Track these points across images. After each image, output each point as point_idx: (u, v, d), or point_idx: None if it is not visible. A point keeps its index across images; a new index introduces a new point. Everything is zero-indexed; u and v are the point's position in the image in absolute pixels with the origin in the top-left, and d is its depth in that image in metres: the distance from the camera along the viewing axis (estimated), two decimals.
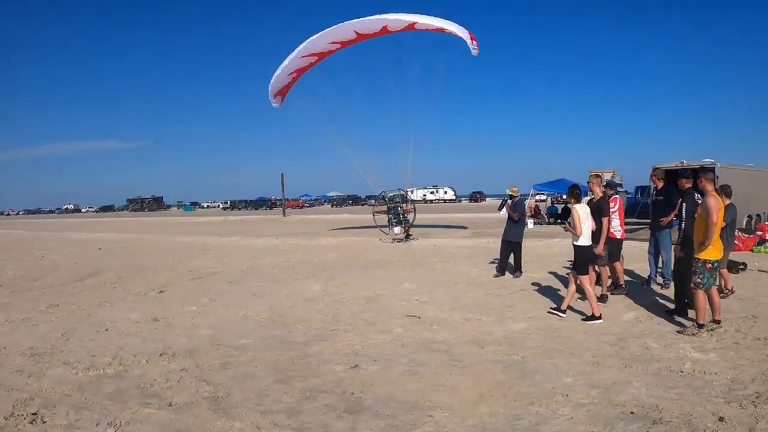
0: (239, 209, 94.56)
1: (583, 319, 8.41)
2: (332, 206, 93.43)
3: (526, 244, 14.09)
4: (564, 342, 7.33)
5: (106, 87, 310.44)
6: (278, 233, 28.87)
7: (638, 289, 10.64)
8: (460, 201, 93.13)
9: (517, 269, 12.80)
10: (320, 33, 18.94)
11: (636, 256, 13.75)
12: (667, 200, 10.40)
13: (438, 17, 18.04)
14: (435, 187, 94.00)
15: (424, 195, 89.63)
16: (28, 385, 6.24)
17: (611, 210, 9.94)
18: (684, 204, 8.78)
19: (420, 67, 20.61)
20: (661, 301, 9.60)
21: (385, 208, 23.81)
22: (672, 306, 8.81)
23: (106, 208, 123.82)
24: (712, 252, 7.50)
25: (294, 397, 5.68)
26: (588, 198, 10.01)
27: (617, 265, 10.29)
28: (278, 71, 20.00)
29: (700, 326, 7.42)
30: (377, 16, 18.17)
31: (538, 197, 37.86)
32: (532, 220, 27.13)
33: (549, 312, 8.91)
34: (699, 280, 7.47)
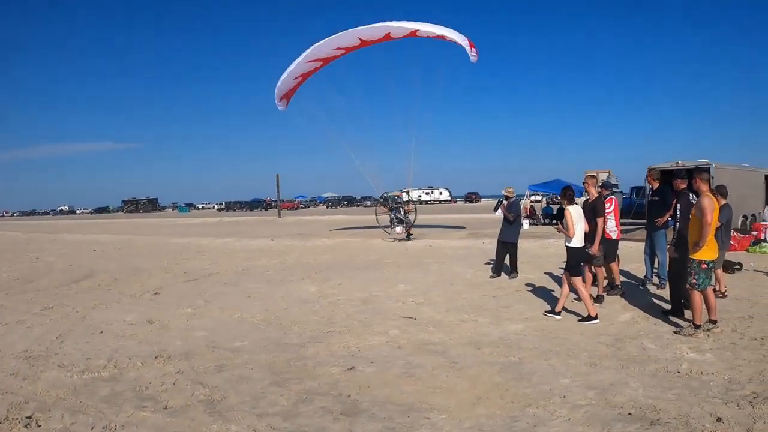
0: (234, 210, 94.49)
1: (579, 320, 8.41)
2: (327, 207, 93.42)
3: (522, 245, 14.09)
4: (561, 343, 7.32)
5: (101, 88, 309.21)
6: (273, 234, 28.83)
7: (634, 290, 10.65)
8: (455, 202, 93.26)
9: (512, 270, 12.80)
10: (326, 39, 19.41)
11: (632, 257, 13.76)
12: (663, 201, 10.41)
13: (439, 25, 18.59)
14: (430, 187, 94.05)
15: (419, 196, 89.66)
16: (23, 388, 6.20)
17: (607, 211, 9.95)
18: (678, 204, 8.78)
19: (421, 71, 20.99)
20: (657, 301, 9.60)
21: (387, 208, 24.14)
22: (668, 306, 8.82)
23: (101, 210, 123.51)
24: (707, 252, 7.50)
25: (290, 399, 5.65)
26: (584, 198, 10.00)
27: (613, 265, 10.30)
28: (284, 75, 20.46)
29: (697, 327, 7.42)
30: (381, 24, 18.65)
31: (533, 198, 37.89)
32: (527, 221, 27.15)
33: (544, 314, 8.90)
34: (694, 280, 7.47)
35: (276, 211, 60.50)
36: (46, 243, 29.96)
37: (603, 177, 23.94)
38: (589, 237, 9.55)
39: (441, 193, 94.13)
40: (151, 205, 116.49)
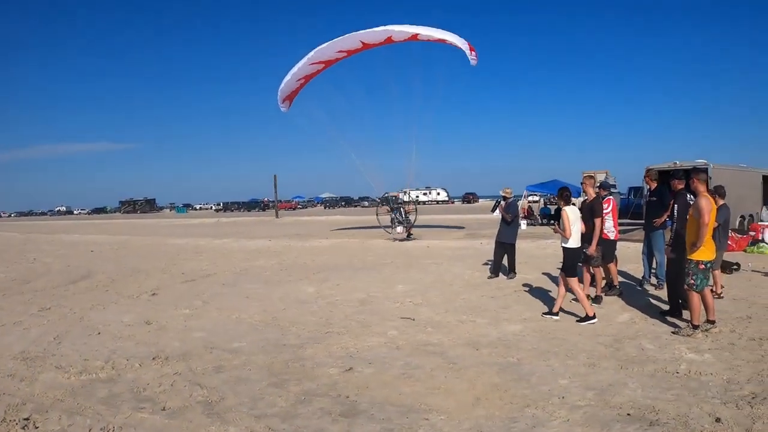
0: (232, 211, 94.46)
1: (577, 321, 8.40)
2: (325, 208, 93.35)
3: (520, 246, 14.09)
4: (559, 344, 7.31)
5: (98, 88, 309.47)
6: (271, 235, 28.81)
7: (632, 290, 10.66)
8: (452, 202, 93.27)
9: (510, 271, 12.80)
10: (328, 43, 19.78)
11: (630, 257, 13.77)
12: (660, 201, 10.42)
13: (439, 29, 18.98)
14: (428, 188, 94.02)
15: (417, 196, 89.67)
16: (20, 389, 6.18)
17: (605, 211, 9.95)
18: (676, 205, 8.78)
19: (421, 73, 21.43)
20: (655, 302, 9.61)
21: (388, 208, 24.44)
22: (666, 307, 8.82)
23: (99, 210, 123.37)
24: (705, 253, 7.50)
25: (288, 400, 5.64)
26: (582, 199, 10.00)
27: (611, 266, 10.31)
28: (287, 77, 20.83)
29: (695, 327, 7.42)
30: (383, 28, 18.99)
31: (530, 198, 37.90)
32: (525, 221, 27.17)
33: (543, 315, 8.90)
34: (692, 281, 7.47)
35: (274, 211, 60.42)
36: (43, 244, 29.90)
37: (600, 177, 24.02)
38: (586, 237, 9.56)
39: (438, 194, 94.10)
40: (149, 206, 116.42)
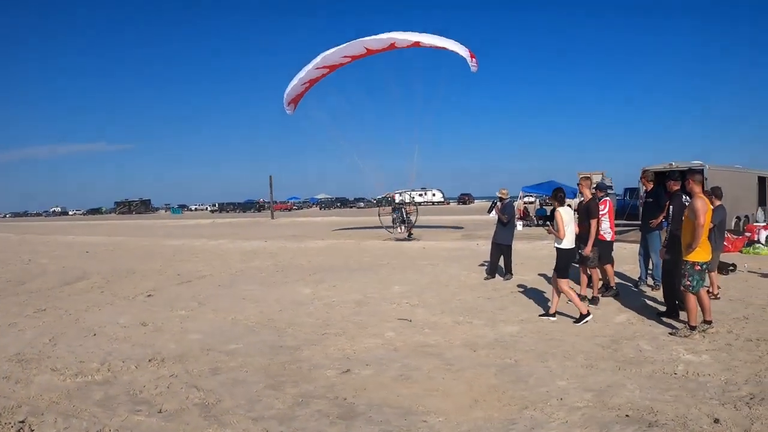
0: (227, 212, 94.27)
1: (574, 322, 8.40)
2: (320, 209, 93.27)
3: (516, 247, 14.08)
4: (557, 345, 7.31)
5: (94, 89, 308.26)
6: (267, 236, 28.76)
7: (629, 291, 10.67)
8: (448, 203, 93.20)
9: (507, 272, 12.80)
10: (334, 49, 20.44)
11: (626, 258, 13.77)
12: (656, 202, 10.43)
13: (442, 36, 19.64)
14: (423, 189, 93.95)
15: (413, 197, 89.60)
16: (16, 392, 6.14)
17: (601, 212, 9.96)
18: (671, 206, 8.79)
19: (422, 76, 21.90)
20: (652, 303, 9.61)
21: (390, 209, 25.23)
22: (663, 308, 8.82)
23: (94, 211, 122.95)
24: (701, 254, 7.50)
25: (286, 403, 5.61)
26: (578, 200, 10.01)
27: (608, 267, 10.31)
28: (294, 82, 21.56)
29: (692, 328, 7.43)
30: (386, 35, 19.67)
31: (526, 199, 37.92)
32: (521, 222, 27.21)
33: (540, 317, 8.90)
34: (688, 282, 7.47)
35: (269, 212, 60.39)
36: (38, 244, 29.78)
37: (597, 178, 24.05)
38: (583, 238, 9.57)
39: (434, 195, 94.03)
40: (144, 207, 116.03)
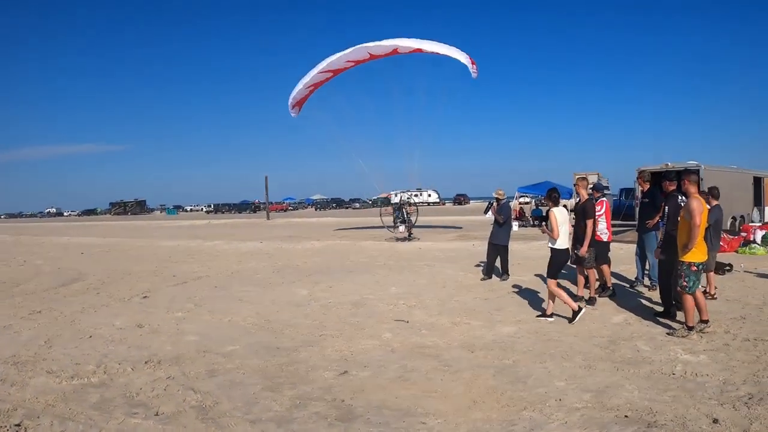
0: (223, 213, 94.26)
1: (570, 322, 8.40)
2: (316, 209, 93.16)
3: (512, 247, 14.07)
4: (555, 345, 7.30)
5: (89, 89, 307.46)
6: (263, 237, 28.70)
7: (626, 292, 10.67)
8: (443, 203, 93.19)
9: (504, 272, 12.80)
10: (338, 54, 21.03)
11: (622, 258, 13.78)
12: (653, 203, 10.44)
13: (443, 44, 20.25)
14: (419, 189, 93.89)
15: (409, 197, 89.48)
16: (11, 395, 6.09)
17: (598, 213, 9.97)
18: (667, 206, 8.80)
19: (424, 80, 22.33)
20: (648, 303, 9.62)
21: (392, 209, 25.74)
22: (660, 308, 8.82)
23: (89, 212, 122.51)
24: (697, 254, 7.51)
25: (283, 405, 5.59)
26: (575, 200, 10.02)
27: (605, 267, 10.31)
28: (299, 86, 22.30)
29: (690, 328, 7.43)
30: (389, 41, 20.26)
31: (522, 199, 37.99)
32: (516, 223, 27.22)
33: (537, 317, 8.89)
34: (685, 283, 7.47)
35: (265, 213, 60.31)
36: (33, 246, 29.66)
37: (592, 179, 24.08)
38: (579, 239, 9.59)
39: (429, 195, 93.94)
40: (139, 208, 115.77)
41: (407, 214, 24.78)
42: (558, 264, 8.80)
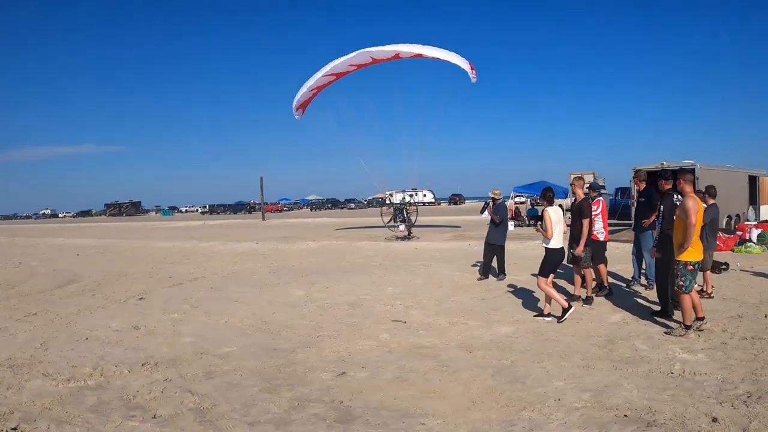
0: (218, 213, 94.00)
1: (558, 322, 8.43)
2: (311, 210, 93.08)
3: (508, 247, 14.06)
4: (552, 345, 7.30)
5: (83, 90, 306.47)
6: (258, 237, 28.63)
7: (622, 291, 10.68)
8: (439, 204, 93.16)
9: (500, 272, 12.80)
10: (342, 58, 21.54)
11: (619, 258, 13.80)
12: (649, 202, 10.45)
13: (444, 49, 20.66)
14: (414, 189, 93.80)
15: (403, 198, 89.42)
16: (7, 398, 6.05)
17: (594, 212, 9.97)
18: (662, 206, 8.81)
19: (425, 83, 22.74)
20: (645, 302, 9.62)
21: (392, 209, 26.54)
22: (657, 308, 8.83)
23: (84, 213, 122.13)
24: (693, 253, 7.51)
25: (282, 406, 5.56)
26: (571, 200, 10.02)
27: (601, 267, 10.31)
28: (303, 89, 22.73)
29: (687, 327, 7.43)
30: (391, 47, 20.81)
31: (517, 199, 38.01)
32: (512, 222, 27.28)
33: (535, 317, 8.89)
34: (681, 282, 7.48)
35: (260, 213, 60.25)
36: (28, 247, 29.53)
37: (588, 178, 24.13)
38: (575, 238, 9.60)
39: (425, 195, 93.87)
40: (134, 209, 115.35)
41: (407, 213, 25.38)
42: (552, 263, 8.81)
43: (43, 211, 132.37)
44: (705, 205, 8.66)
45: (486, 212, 13.72)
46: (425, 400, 5.59)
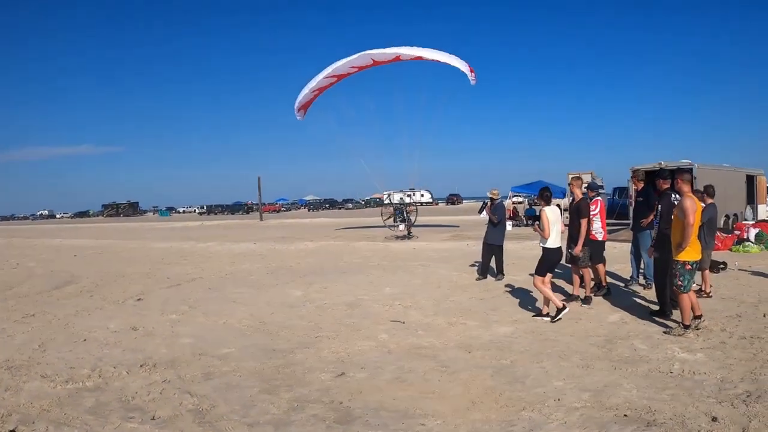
0: (216, 214, 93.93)
1: (552, 321, 8.44)
2: (309, 210, 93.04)
3: (507, 247, 14.07)
4: (551, 345, 7.29)
5: (83, 90, 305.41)
6: (256, 238, 28.61)
7: (621, 291, 10.69)
8: (437, 204, 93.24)
9: (498, 272, 12.80)
10: (343, 60, 21.83)
11: (617, 257, 13.80)
12: (647, 201, 10.46)
13: (443, 52, 20.92)
14: (412, 190, 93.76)
15: (401, 198, 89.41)
16: (5, 399, 6.02)
17: (593, 212, 9.97)
18: (660, 205, 8.81)
19: (425, 85, 23.09)
20: (644, 302, 9.62)
21: (392, 209, 26.82)
22: (655, 307, 8.83)
23: (81, 214, 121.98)
24: (691, 253, 7.52)
25: (281, 407, 5.55)
26: (570, 199, 10.02)
27: (600, 266, 10.31)
28: (305, 90, 23.03)
29: (686, 327, 7.44)
30: (392, 49, 21.05)
31: (515, 199, 38.05)
32: (510, 222, 27.31)
33: (534, 317, 8.89)
34: (680, 282, 7.48)
35: (258, 214, 60.23)
36: (26, 248, 29.49)
37: (586, 178, 24.15)
38: (573, 238, 9.60)
39: (422, 195, 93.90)
40: (132, 209, 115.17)
41: (407, 213, 25.69)
42: (549, 263, 8.82)
43: (40, 212, 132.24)
44: (703, 205, 8.66)
45: (484, 212, 13.71)
46: (425, 401, 5.58)
